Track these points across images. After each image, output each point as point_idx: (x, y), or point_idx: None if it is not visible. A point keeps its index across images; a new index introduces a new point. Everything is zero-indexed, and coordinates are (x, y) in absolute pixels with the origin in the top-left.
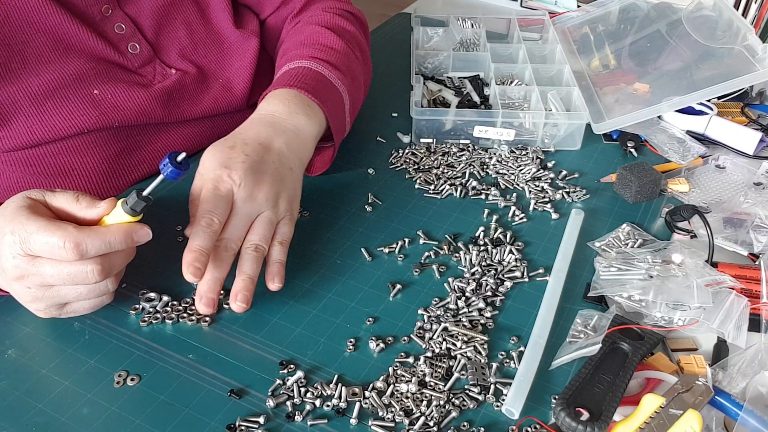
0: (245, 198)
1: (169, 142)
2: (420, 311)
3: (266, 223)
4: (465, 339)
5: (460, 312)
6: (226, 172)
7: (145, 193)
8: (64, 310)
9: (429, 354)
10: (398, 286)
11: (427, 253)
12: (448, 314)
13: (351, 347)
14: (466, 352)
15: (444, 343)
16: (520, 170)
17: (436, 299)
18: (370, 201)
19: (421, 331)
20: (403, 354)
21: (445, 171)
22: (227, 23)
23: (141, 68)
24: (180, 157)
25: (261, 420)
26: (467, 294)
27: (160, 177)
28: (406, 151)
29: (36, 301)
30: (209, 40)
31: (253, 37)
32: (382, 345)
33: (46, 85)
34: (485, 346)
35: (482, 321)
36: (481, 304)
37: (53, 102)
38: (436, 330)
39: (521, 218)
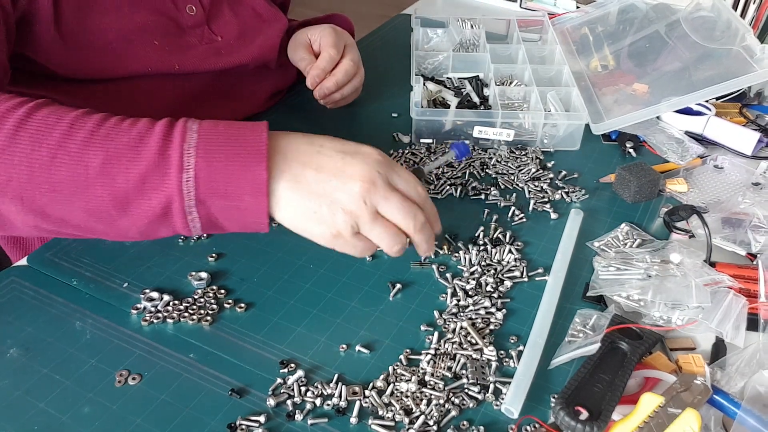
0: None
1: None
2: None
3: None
4: (472, 342)
5: (467, 310)
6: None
7: (426, 169)
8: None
9: (432, 352)
10: (398, 286)
11: None
12: (462, 315)
13: (350, 348)
14: (471, 354)
15: (453, 344)
16: (520, 170)
17: (443, 295)
18: None
19: (431, 329)
20: (408, 350)
21: (445, 171)
22: (261, 2)
23: (192, 29)
24: (467, 144)
25: (261, 419)
26: (469, 293)
27: (447, 156)
28: (406, 151)
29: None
30: (247, 14)
31: (282, 14)
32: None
33: (115, 27)
34: (492, 351)
35: (492, 327)
36: (487, 303)
37: (120, 43)
38: (454, 329)
39: (521, 218)
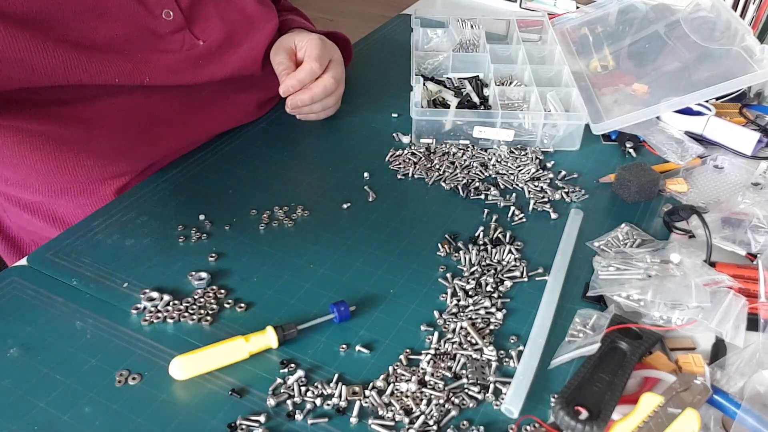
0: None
1: (193, 125)
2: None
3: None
4: (472, 342)
5: (467, 310)
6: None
7: (300, 327)
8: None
9: (432, 352)
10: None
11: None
12: (462, 315)
13: (350, 348)
14: (471, 354)
15: (453, 344)
16: (520, 170)
17: (443, 295)
18: (369, 201)
19: (431, 328)
20: (408, 350)
21: (447, 170)
22: (251, 2)
23: (171, 35)
24: (346, 307)
25: (262, 419)
26: (469, 293)
27: (326, 318)
28: (406, 151)
29: None
30: (234, 15)
31: (274, 14)
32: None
33: (83, 41)
34: (491, 351)
35: (492, 327)
36: (487, 303)
37: (88, 55)
38: (454, 328)
39: (520, 218)
